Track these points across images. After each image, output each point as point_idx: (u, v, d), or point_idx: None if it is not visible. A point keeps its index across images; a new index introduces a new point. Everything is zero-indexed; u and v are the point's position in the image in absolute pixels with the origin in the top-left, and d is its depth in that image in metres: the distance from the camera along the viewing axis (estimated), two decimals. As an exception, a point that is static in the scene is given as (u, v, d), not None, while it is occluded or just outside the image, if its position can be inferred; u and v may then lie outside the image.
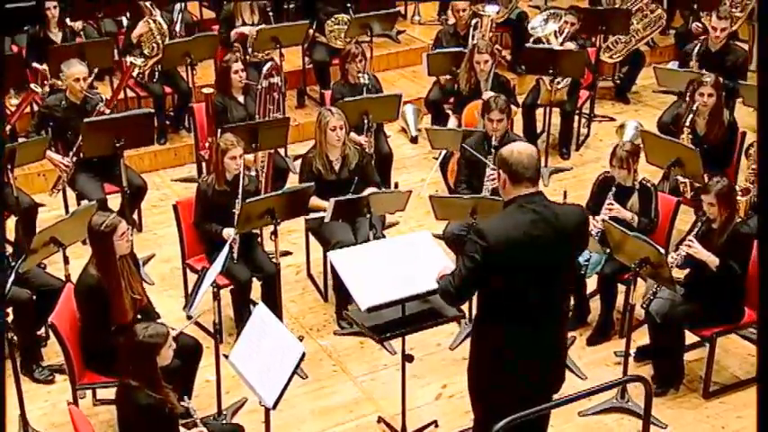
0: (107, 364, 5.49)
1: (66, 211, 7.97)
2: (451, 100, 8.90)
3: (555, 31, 8.92)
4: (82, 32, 8.86)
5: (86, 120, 7.04)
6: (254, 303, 6.57)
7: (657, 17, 10.13)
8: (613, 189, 6.48)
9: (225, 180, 6.47)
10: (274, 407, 4.75)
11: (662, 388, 6.12)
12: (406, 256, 5.33)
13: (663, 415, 5.93)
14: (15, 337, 5.59)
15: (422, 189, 8.04)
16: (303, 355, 4.71)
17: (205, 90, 7.42)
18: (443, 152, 8.04)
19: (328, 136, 6.75)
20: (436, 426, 5.86)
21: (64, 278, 6.10)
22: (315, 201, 6.64)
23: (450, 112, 8.79)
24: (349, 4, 9.63)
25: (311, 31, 9.47)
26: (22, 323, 6.10)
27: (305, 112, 9.68)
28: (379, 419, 5.93)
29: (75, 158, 7.44)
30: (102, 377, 5.58)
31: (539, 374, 4.59)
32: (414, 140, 9.49)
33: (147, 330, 4.66)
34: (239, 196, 6.35)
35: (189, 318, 5.81)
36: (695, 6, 10.16)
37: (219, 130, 7.10)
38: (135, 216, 7.85)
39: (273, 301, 6.42)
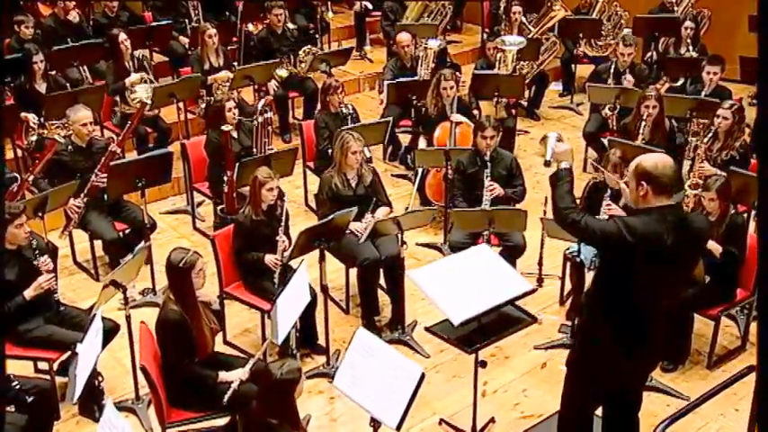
0: (191, 399, 4.61)
1: (73, 250, 6.90)
2: (402, 123, 8.33)
3: (514, 53, 8.50)
4: (67, 83, 7.70)
5: (112, 163, 6.03)
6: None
7: (552, 43, 10.04)
8: (608, 191, 5.97)
9: (261, 210, 5.62)
10: (398, 428, 3.96)
11: (672, 365, 5.67)
12: (476, 270, 4.66)
13: (680, 388, 5.50)
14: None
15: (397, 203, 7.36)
16: (423, 375, 3.95)
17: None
18: (420, 171, 7.37)
19: (348, 158, 6.05)
20: (493, 422, 5.20)
21: (125, 317, 5.08)
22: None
23: (413, 134, 8.16)
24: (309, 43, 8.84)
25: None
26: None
27: (267, 141, 8.76)
28: (441, 421, 5.20)
29: (86, 199, 6.35)
30: (187, 413, 4.62)
31: (639, 364, 4.23)
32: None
33: (282, 368, 3.78)
34: (282, 225, 5.52)
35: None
36: (580, 35, 10.14)
37: (238, 165, 6.20)
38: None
39: (312, 319, 5.72)
